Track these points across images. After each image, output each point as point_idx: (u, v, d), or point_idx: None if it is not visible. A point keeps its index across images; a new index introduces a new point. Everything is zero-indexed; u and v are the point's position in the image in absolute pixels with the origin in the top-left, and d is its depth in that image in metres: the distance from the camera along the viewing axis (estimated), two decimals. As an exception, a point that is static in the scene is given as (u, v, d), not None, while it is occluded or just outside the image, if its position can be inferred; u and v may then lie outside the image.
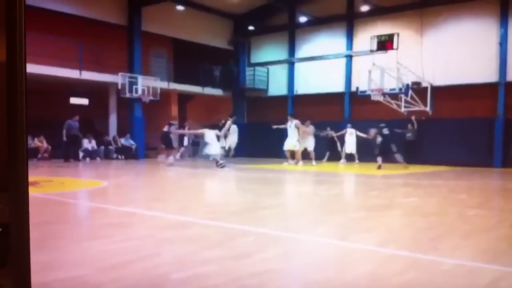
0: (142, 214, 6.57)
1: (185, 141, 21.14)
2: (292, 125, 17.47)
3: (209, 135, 15.58)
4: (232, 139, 19.81)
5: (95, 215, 6.71)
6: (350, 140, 19.28)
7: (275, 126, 18.51)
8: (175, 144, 19.09)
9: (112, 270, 3.67)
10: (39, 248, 4.05)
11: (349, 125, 19.65)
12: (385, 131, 16.12)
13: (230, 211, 6.93)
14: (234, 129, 19.56)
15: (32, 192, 7.12)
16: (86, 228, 5.74)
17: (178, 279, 3.48)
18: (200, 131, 16.60)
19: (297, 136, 17.48)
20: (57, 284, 3.31)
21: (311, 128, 18.50)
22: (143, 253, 4.18)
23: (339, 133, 19.77)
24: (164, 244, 4.59)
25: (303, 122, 17.92)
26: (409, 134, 18.49)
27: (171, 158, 16.72)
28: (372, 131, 16.41)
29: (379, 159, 15.71)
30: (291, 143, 17.50)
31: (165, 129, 17.43)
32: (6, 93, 1.41)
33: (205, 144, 15.69)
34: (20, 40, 1.43)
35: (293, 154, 17.75)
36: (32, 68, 13.12)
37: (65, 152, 18.09)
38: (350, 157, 19.59)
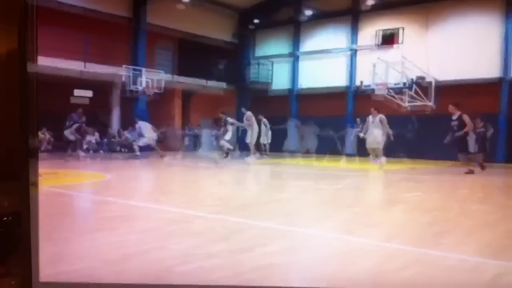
0: (147, 207, 6.59)
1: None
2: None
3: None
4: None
5: (100, 207, 6.72)
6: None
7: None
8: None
9: (117, 262, 3.70)
10: (44, 240, 4.06)
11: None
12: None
13: (235, 205, 6.95)
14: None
15: (37, 184, 7.09)
16: (91, 220, 5.76)
17: (183, 272, 3.50)
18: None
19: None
20: (62, 276, 3.33)
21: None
22: (147, 246, 4.20)
23: None
24: (169, 237, 4.60)
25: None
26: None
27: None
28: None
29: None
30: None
31: None
32: (18, 87, 1.42)
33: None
34: (31, 37, 1.44)
35: None
36: (36, 60, 13.11)
37: (69, 144, 17.98)
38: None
